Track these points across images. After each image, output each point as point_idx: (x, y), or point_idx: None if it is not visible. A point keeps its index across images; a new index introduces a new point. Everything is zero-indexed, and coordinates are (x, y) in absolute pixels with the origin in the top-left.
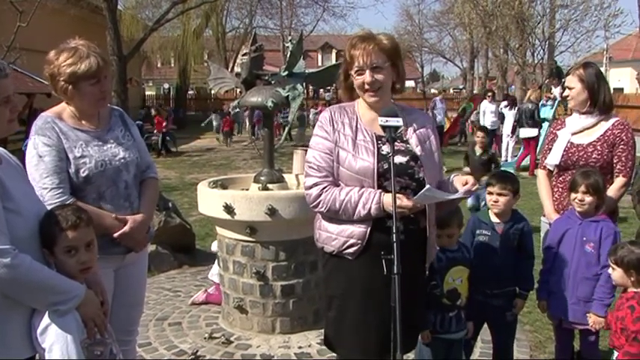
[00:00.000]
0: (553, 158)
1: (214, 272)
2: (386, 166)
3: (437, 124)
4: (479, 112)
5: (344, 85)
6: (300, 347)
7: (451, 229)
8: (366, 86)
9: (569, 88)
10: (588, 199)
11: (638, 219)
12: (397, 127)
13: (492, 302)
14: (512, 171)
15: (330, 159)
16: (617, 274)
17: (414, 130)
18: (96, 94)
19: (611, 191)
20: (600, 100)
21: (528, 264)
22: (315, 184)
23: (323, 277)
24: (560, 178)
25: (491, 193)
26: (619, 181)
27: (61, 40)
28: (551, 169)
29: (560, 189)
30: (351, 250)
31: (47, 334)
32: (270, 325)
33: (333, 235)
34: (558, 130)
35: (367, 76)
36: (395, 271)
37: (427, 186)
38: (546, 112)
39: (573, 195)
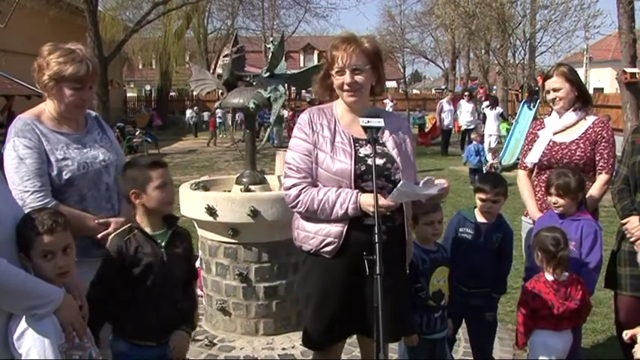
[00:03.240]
0: (532, 157)
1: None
2: (363, 167)
3: (445, 127)
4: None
5: (323, 84)
6: (283, 349)
7: (440, 213)
8: (345, 87)
9: (556, 90)
10: (561, 201)
11: (618, 217)
12: (378, 128)
13: (471, 302)
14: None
15: (309, 160)
16: (535, 255)
17: (390, 134)
18: (75, 100)
19: (595, 188)
20: (586, 95)
21: (504, 267)
22: (294, 185)
23: (301, 276)
24: (543, 177)
25: (484, 200)
26: (602, 178)
27: (40, 41)
28: (531, 167)
29: (542, 188)
30: (328, 249)
31: (24, 339)
32: (253, 327)
33: (310, 234)
34: (538, 130)
35: (347, 77)
36: (377, 272)
37: (402, 181)
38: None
39: (549, 197)
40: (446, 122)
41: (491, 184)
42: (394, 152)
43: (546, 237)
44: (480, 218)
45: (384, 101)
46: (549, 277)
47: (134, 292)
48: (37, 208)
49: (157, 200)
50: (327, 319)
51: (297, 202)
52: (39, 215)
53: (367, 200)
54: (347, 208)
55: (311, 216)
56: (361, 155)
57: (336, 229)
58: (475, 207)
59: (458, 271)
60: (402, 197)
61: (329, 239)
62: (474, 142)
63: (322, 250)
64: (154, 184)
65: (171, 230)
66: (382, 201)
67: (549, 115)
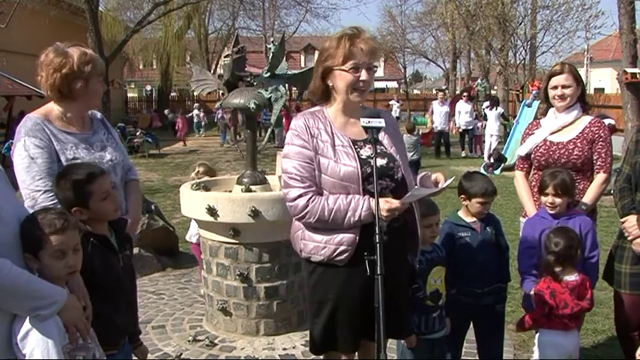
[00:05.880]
0: (522, 149)
1: (192, 233)
2: (369, 170)
3: (435, 129)
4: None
5: (321, 85)
6: (284, 349)
7: (437, 216)
8: (361, 84)
9: (565, 87)
10: (558, 200)
11: (619, 217)
12: (379, 128)
13: (483, 301)
14: (496, 172)
15: (312, 168)
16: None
17: (385, 132)
18: (100, 92)
19: (593, 187)
20: (585, 97)
21: (505, 258)
22: (300, 196)
23: (310, 285)
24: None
25: (484, 203)
26: (600, 177)
27: (41, 41)
28: (523, 157)
29: None
30: (342, 257)
31: (28, 340)
32: (254, 327)
33: (321, 244)
34: (535, 130)
35: (365, 75)
36: (378, 272)
37: (415, 186)
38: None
39: (544, 198)
40: (435, 124)
41: (491, 188)
42: (392, 150)
43: (558, 238)
44: (470, 218)
45: (390, 102)
46: (567, 277)
47: (97, 297)
48: (42, 209)
49: (102, 212)
50: (344, 327)
51: (306, 213)
52: (47, 215)
53: (380, 205)
54: (360, 216)
55: (320, 226)
56: (363, 157)
57: (348, 235)
58: (458, 210)
59: (468, 274)
60: (412, 198)
61: (342, 247)
62: (407, 136)
63: (336, 258)
64: (97, 197)
65: (119, 234)
66: (395, 204)
67: (545, 115)
